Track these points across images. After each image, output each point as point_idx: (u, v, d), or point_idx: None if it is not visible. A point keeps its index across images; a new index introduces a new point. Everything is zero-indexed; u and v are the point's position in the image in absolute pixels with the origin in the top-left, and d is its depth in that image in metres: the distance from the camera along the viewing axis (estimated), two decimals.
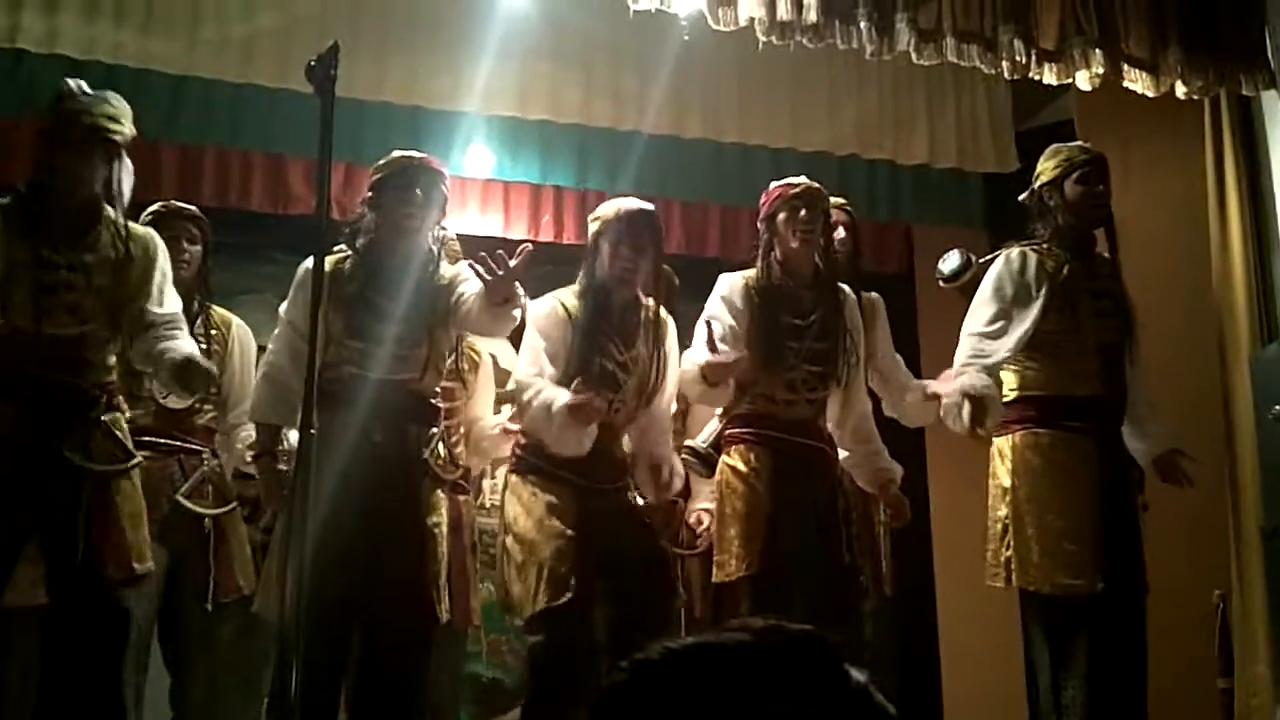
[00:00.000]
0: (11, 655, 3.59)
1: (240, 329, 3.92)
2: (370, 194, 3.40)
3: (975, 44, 4.46)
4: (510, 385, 3.52)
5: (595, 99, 5.28)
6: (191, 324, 3.64)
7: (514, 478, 3.44)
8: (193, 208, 3.90)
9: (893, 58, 4.53)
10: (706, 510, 3.96)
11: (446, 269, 3.44)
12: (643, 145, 5.26)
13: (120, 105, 3.20)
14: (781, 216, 3.59)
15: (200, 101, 4.87)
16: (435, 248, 3.40)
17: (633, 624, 3.30)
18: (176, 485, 3.72)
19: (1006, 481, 3.61)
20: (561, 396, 3.21)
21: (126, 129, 3.18)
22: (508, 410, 3.88)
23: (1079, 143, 3.90)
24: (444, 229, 3.53)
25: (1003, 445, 3.65)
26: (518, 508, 3.37)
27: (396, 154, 3.43)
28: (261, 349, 3.63)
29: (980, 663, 5.26)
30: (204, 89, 4.85)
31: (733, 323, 3.50)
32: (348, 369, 3.21)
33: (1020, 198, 3.81)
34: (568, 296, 3.47)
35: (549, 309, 3.43)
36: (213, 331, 3.81)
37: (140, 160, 4.88)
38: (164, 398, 3.57)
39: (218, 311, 3.90)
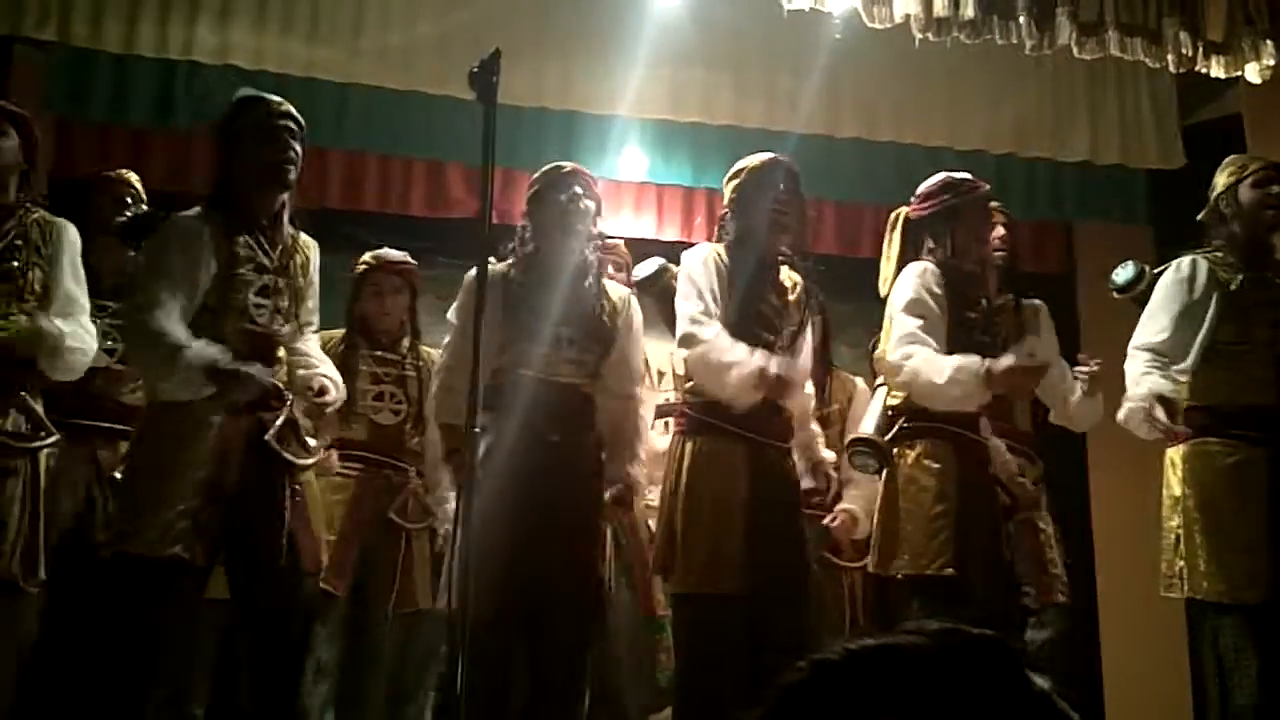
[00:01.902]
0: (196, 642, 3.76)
1: None
2: (528, 206, 3.49)
3: (1139, 37, 4.33)
4: (680, 329, 3.44)
5: (747, 100, 5.27)
6: (402, 355, 4.12)
7: (686, 442, 3.44)
8: (402, 256, 4.19)
9: (1053, 52, 4.43)
10: (847, 511, 3.95)
11: (613, 289, 3.51)
12: (795, 145, 5.23)
13: None
14: (970, 214, 3.55)
15: (363, 108, 5.02)
16: (593, 255, 3.46)
17: (773, 611, 3.31)
18: (381, 499, 3.92)
19: (1178, 491, 3.52)
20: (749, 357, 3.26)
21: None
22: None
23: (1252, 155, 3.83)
24: (604, 237, 3.61)
25: (1174, 455, 3.57)
26: (688, 475, 3.38)
27: (548, 166, 3.52)
28: None
29: (1144, 671, 5.11)
30: (367, 96, 4.99)
31: (938, 310, 3.42)
32: (522, 371, 3.29)
33: (1199, 217, 3.70)
34: (718, 249, 3.50)
35: (704, 255, 3.46)
36: (419, 363, 4.14)
37: (307, 167, 5.12)
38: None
39: (423, 348, 4.13)
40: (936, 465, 3.41)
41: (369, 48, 4.87)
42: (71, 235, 3.33)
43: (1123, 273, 3.90)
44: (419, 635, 4.02)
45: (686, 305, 3.39)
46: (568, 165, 3.52)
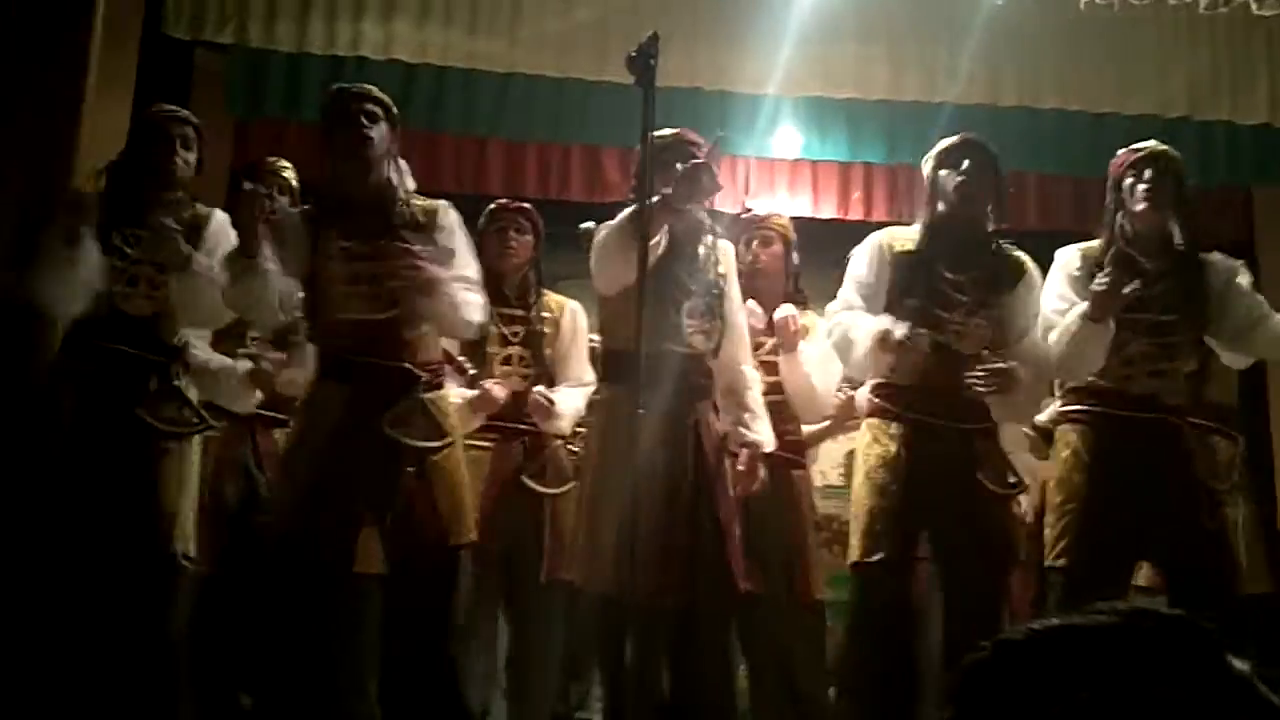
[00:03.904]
0: (361, 619, 3.87)
1: (573, 310, 4.11)
2: (635, 182, 3.35)
3: None
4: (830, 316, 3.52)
5: (904, 73, 5.19)
6: (528, 308, 3.92)
7: (864, 424, 3.49)
8: (523, 204, 4.16)
9: (1229, 9, 4.24)
10: None
11: (721, 245, 3.50)
12: (953, 116, 5.13)
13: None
14: (1127, 181, 3.43)
15: (523, 97, 5.10)
16: (707, 219, 3.43)
17: (958, 589, 3.27)
18: (519, 465, 3.93)
19: None
20: (878, 324, 3.27)
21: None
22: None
23: None
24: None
25: None
26: (859, 454, 3.42)
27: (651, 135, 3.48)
28: None
29: None
30: (526, 85, 5.07)
31: (1069, 302, 3.35)
32: (664, 344, 3.27)
33: None
34: (891, 234, 3.49)
35: (866, 247, 3.46)
36: (545, 314, 4.03)
37: (468, 156, 5.26)
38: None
39: (551, 296, 4.11)
40: (1068, 450, 3.36)
41: (528, 37, 4.95)
42: (219, 220, 3.46)
43: None
44: (579, 614, 3.98)
45: (837, 300, 3.45)
46: (668, 135, 3.40)
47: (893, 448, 3.33)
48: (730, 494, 3.37)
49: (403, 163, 3.34)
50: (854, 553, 3.34)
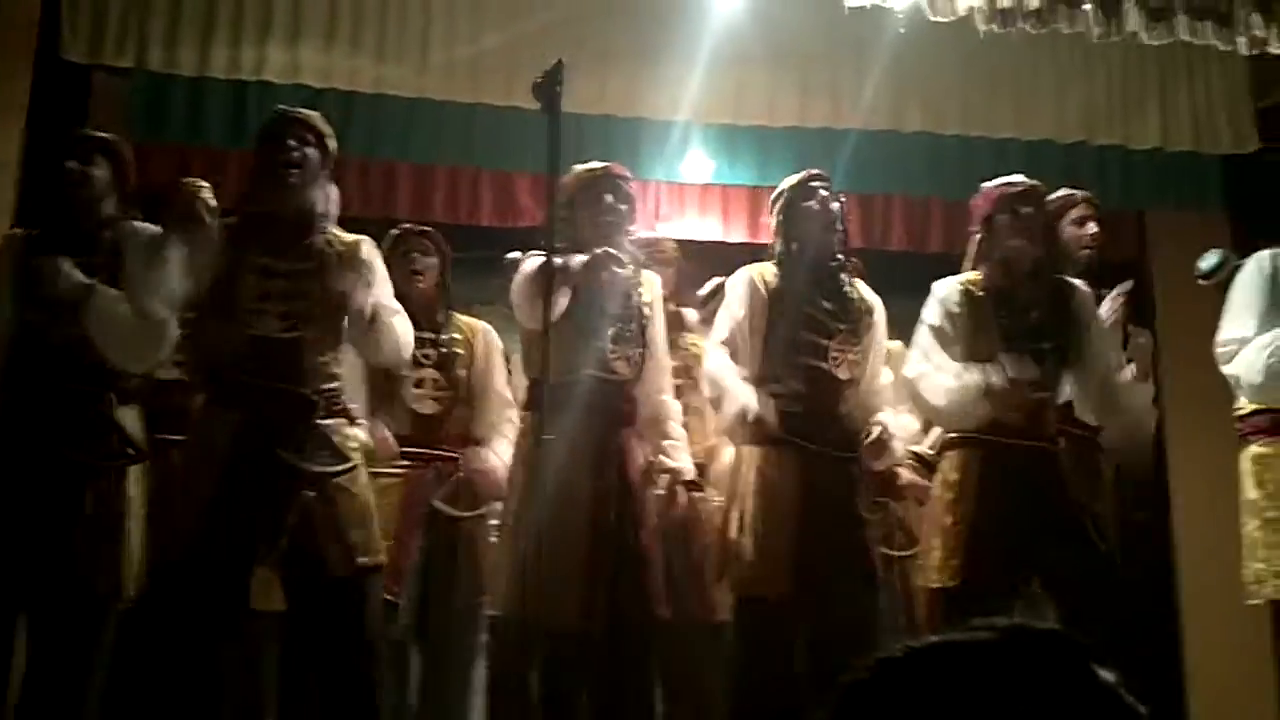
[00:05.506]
0: (259, 656, 3.79)
1: (486, 333, 4.10)
2: (563, 212, 3.40)
3: (1209, 20, 4.27)
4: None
5: (812, 99, 5.27)
6: (437, 331, 3.89)
7: (743, 450, 3.48)
8: (426, 227, 4.13)
9: (1121, 39, 4.37)
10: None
11: (645, 275, 3.56)
12: (860, 141, 5.22)
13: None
14: (1002, 218, 3.49)
15: (431, 122, 5.08)
16: (632, 251, 3.50)
17: (833, 619, 3.29)
18: (431, 493, 3.89)
19: (1252, 494, 3.48)
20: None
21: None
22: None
23: None
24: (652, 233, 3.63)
25: (1245, 458, 3.51)
26: (742, 483, 3.41)
27: (579, 169, 3.51)
28: None
29: (1230, 683, 4.99)
30: (435, 110, 5.06)
31: (951, 332, 3.42)
32: (586, 370, 3.31)
33: None
34: (763, 269, 3.53)
35: (744, 278, 3.51)
36: (456, 336, 4.00)
37: (377, 180, 5.22)
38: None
39: (462, 318, 4.09)
40: (955, 477, 3.39)
41: (436, 62, 4.94)
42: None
43: (1207, 260, 3.86)
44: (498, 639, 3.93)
45: (714, 330, 3.50)
46: (598, 168, 3.50)
47: (778, 476, 3.35)
48: (653, 521, 3.40)
49: (334, 192, 3.29)
50: (742, 586, 3.33)
